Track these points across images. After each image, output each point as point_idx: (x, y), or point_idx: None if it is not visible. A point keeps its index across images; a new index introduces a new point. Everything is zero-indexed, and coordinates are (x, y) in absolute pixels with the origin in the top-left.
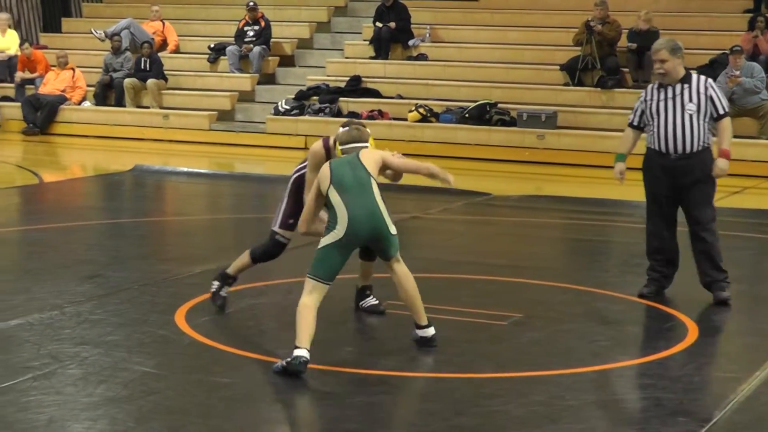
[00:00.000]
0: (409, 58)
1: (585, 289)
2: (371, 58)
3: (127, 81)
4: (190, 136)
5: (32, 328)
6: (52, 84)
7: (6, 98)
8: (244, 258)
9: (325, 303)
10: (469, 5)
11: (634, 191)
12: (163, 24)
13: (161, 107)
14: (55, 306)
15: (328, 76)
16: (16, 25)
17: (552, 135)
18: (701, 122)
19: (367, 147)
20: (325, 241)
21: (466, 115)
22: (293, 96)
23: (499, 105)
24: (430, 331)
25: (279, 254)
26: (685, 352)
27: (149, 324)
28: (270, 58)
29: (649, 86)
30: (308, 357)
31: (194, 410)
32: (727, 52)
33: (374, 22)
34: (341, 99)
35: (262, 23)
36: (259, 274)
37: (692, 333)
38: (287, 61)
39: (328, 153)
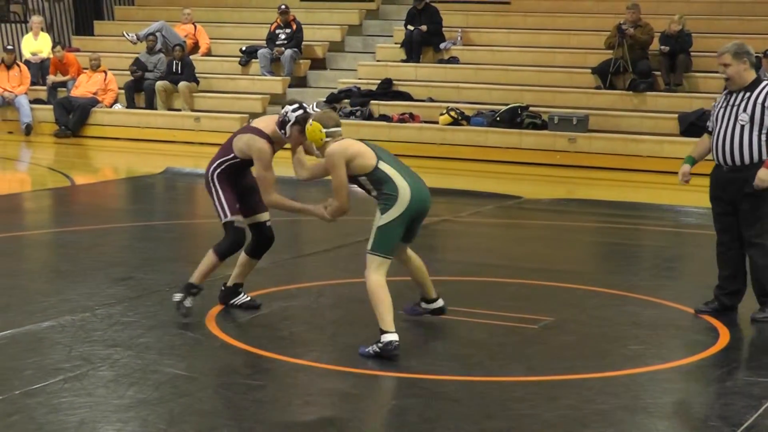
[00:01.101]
0: (441, 61)
1: (616, 292)
2: (402, 61)
3: (159, 84)
4: (222, 138)
5: (64, 330)
6: (84, 87)
7: (38, 101)
8: (208, 260)
9: (353, 306)
10: (501, 8)
11: (665, 195)
12: (195, 27)
13: (193, 110)
14: (86, 308)
15: (360, 79)
16: (49, 28)
17: (583, 138)
18: (756, 134)
19: None
20: (389, 216)
21: (497, 119)
22: (324, 99)
23: (531, 108)
24: (441, 302)
25: (243, 242)
26: (717, 356)
27: (180, 326)
28: (301, 61)
29: (722, 91)
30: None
31: (225, 412)
32: (760, 55)
33: (406, 25)
34: (372, 102)
35: (294, 26)
36: (289, 276)
37: (724, 337)
38: (319, 64)
39: (273, 144)
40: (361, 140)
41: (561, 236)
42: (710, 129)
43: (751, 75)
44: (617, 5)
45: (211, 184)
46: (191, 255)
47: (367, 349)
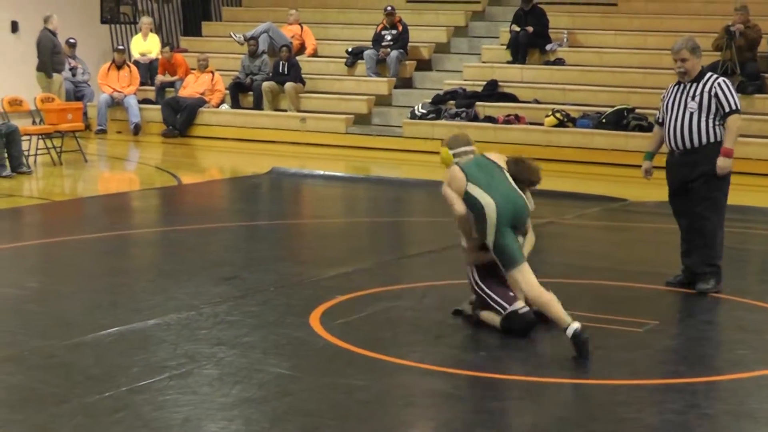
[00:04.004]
0: (547, 62)
1: (723, 296)
2: (508, 62)
3: (266, 84)
4: (327, 139)
5: (169, 328)
6: (191, 87)
7: (147, 101)
8: None
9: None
10: (608, 10)
11: None
12: (302, 28)
13: (299, 110)
14: (192, 307)
15: (465, 80)
16: (158, 29)
17: None
18: (704, 120)
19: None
20: (489, 236)
21: (603, 120)
22: (430, 100)
23: (637, 110)
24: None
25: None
26: None
27: (285, 326)
28: (407, 62)
29: (670, 85)
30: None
31: (329, 412)
32: None
33: (511, 27)
34: (478, 103)
35: (400, 27)
36: (393, 277)
37: None
38: (424, 65)
39: None
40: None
41: (666, 239)
42: (660, 120)
43: (699, 68)
44: (725, 7)
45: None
46: (296, 255)
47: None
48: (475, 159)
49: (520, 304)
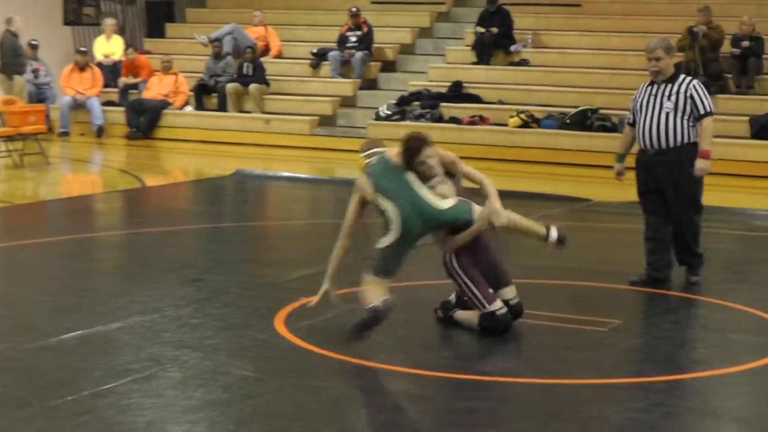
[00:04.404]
0: (511, 63)
1: (686, 296)
2: (473, 63)
3: (230, 86)
4: (292, 140)
5: (133, 331)
6: (155, 89)
7: (110, 103)
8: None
9: (422, 308)
10: (573, 11)
11: (736, 198)
12: (266, 29)
13: (263, 112)
14: (156, 309)
15: (430, 81)
16: (121, 31)
17: None
18: (679, 120)
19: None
20: (384, 242)
21: (568, 121)
22: (395, 101)
23: (601, 111)
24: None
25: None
26: None
27: (249, 328)
28: (372, 63)
29: (642, 84)
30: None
31: (294, 414)
32: None
33: (476, 28)
34: (443, 104)
35: (365, 29)
36: (357, 278)
37: None
38: (389, 66)
39: None
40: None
41: (631, 239)
42: (631, 121)
43: (673, 68)
44: (688, 8)
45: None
46: (260, 257)
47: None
48: (380, 164)
49: (498, 305)
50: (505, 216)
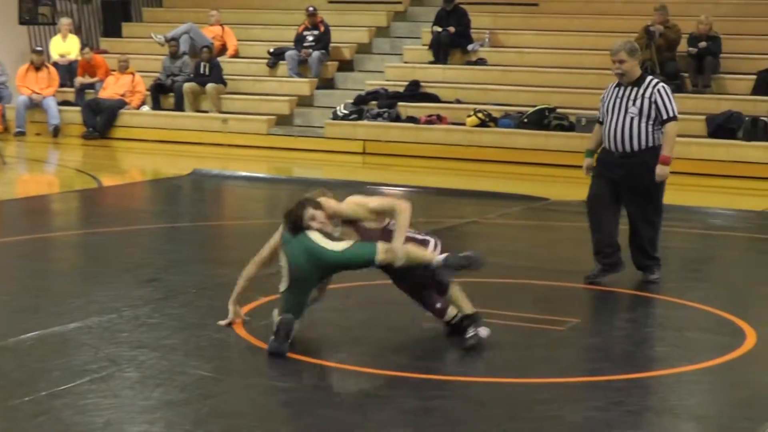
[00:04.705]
0: (468, 62)
1: (643, 294)
2: (430, 62)
3: (187, 85)
4: (249, 140)
5: (90, 332)
6: (111, 88)
7: (66, 102)
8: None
9: (380, 308)
10: (529, 10)
11: (693, 196)
12: (223, 28)
13: (220, 112)
14: (113, 309)
15: (387, 80)
16: (77, 30)
17: None
18: (644, 124)
19: None
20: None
21: (525, 120)
22: (352, 101)
23: (558, 110)
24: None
25: None
26: (743, 358)
27: (207, 328)
28: (329, 62)
29: (610, 85)
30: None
31: (251, 414)
32: None
33: (433, 27)
34: (400, 104)
35: (322, 28)
36: None
37: (750, 339)
38: (346, 65)
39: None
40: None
41: (588, 238)
42: (601, 120)
43: (639, 71)
44: (645, 7)
45: None
46: (218, 257)
47: None
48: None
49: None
50: (403, 255)
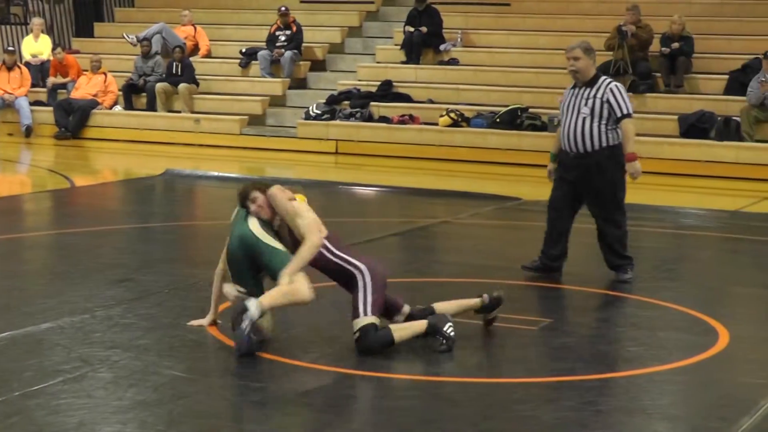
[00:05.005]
0: (441, 62)
1: (616, 294)
2: (402, 62)
3: (159, 85)
4: (221, 140)
5: (63, 332)
6: (84, 89)
7: (38, 103)
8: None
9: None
10: (501, 10)
11: (665, 196)
12: (195, 28)
13: (192, 112)
14: (86, 309)
15: (360, 80)
16: (49, 30)
17: None
18: (596, 125)
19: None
20: None
21: (497, 120)
22: (324, 100)
23: (530, 110)
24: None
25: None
26: (715, 357)
27: (179, 328)
28: (301, 62)
29: (567, 87)
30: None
31: (225, 414)
32: (760, 56)
33: (405, 27)
34: (372, 103)
35: (294, 28)
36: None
37: (723, 339)
38: (318, 65)
39: None
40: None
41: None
42: (557, 123)
43: (593, 71)
44: (617, 7)
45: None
46: (191, 257)
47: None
48: (241, 212)
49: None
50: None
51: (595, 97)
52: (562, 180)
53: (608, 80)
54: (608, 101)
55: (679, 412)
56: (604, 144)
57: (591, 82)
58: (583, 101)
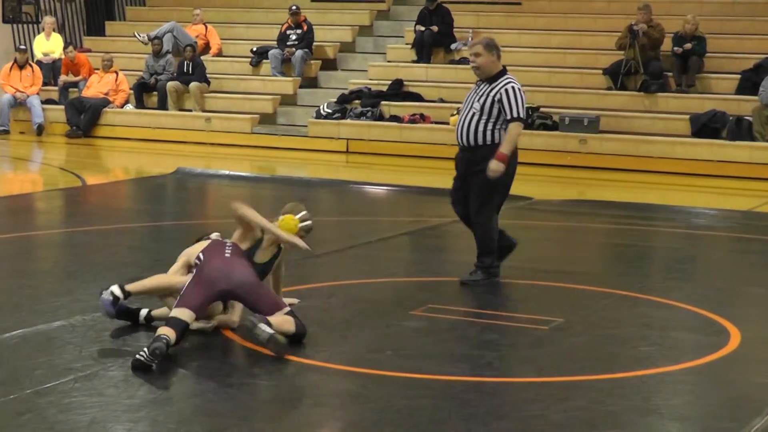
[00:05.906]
0: (452, 61)
1: (627, 294)
2: (413, 61)
3: (170, 84)
4: (233, 139)
5: (75, 330)
6: (95, 87)
7: (50, 101)
8: None
9: (363, 306)
10: (512, 9)
11: (677, 196)
12: (206, 27)
13: (204, 110)
14: (97, 308)
15: (370, 79)
16: (61, 29)
17: (594, 139)
18: (482, 122)
19: None
20: None
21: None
22: (335, 100)
23: (542, 109)
24: None
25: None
26: (727, 358)
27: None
28: (312, 61)
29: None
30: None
31: (235, 413)
32: None
33: (416, 26)
34: (383, 103)
35: (305, 27)
36: (299, 277)
37: (734, 339)
38: (329, 64)
39: None
40: None
41: (572, 237)
42: None
43: (497, 68)
44: (629, 6)
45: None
46: None
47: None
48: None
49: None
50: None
51: (489, 94)
52: (457, 175)
53: (508, 80)
54: (500, 101)
55: (690, 412)
56: (488, 141)
57: (492, 80)
58: (477, 97)
